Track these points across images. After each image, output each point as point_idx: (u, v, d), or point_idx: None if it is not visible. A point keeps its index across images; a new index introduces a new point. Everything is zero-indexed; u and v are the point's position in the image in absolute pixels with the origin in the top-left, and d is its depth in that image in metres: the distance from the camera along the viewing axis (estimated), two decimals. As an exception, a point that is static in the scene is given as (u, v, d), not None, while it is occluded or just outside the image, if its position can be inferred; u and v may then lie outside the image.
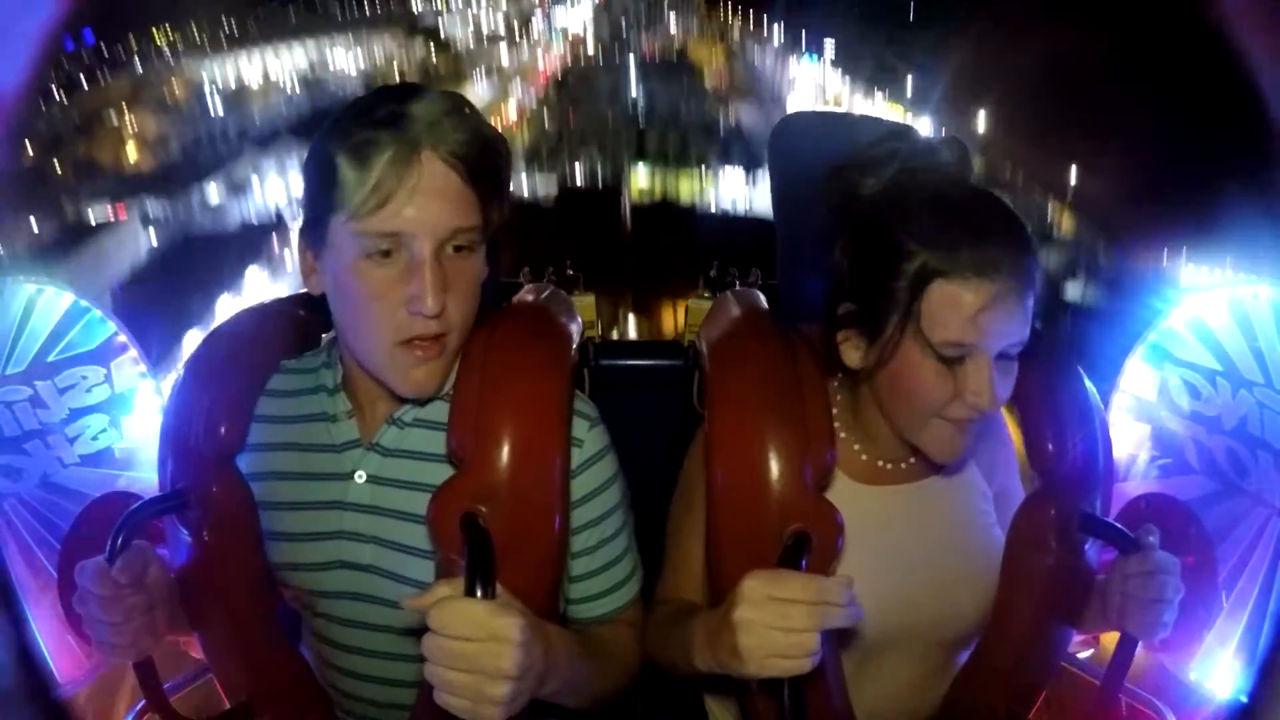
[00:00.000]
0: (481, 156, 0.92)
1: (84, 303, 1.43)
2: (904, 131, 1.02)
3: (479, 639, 0.76)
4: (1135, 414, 1.43)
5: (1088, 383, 1.09)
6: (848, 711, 1.01)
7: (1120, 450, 1.35)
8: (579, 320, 1.10)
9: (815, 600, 0.81)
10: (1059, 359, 1.10)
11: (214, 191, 20.68)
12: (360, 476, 1.01)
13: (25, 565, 1.36)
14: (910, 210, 0.93)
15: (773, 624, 0.81)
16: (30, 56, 0.67)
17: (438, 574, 0.96)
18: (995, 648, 1.05)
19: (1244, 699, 1.20)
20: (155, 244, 18.79)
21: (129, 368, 1.48)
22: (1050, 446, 1.03)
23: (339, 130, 0.90)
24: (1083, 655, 1.15)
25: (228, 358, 1.06)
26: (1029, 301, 0.91)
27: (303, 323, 1.14)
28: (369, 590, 1.01)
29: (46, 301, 1.40)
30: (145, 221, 18.84)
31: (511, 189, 1.02)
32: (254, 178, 21.03)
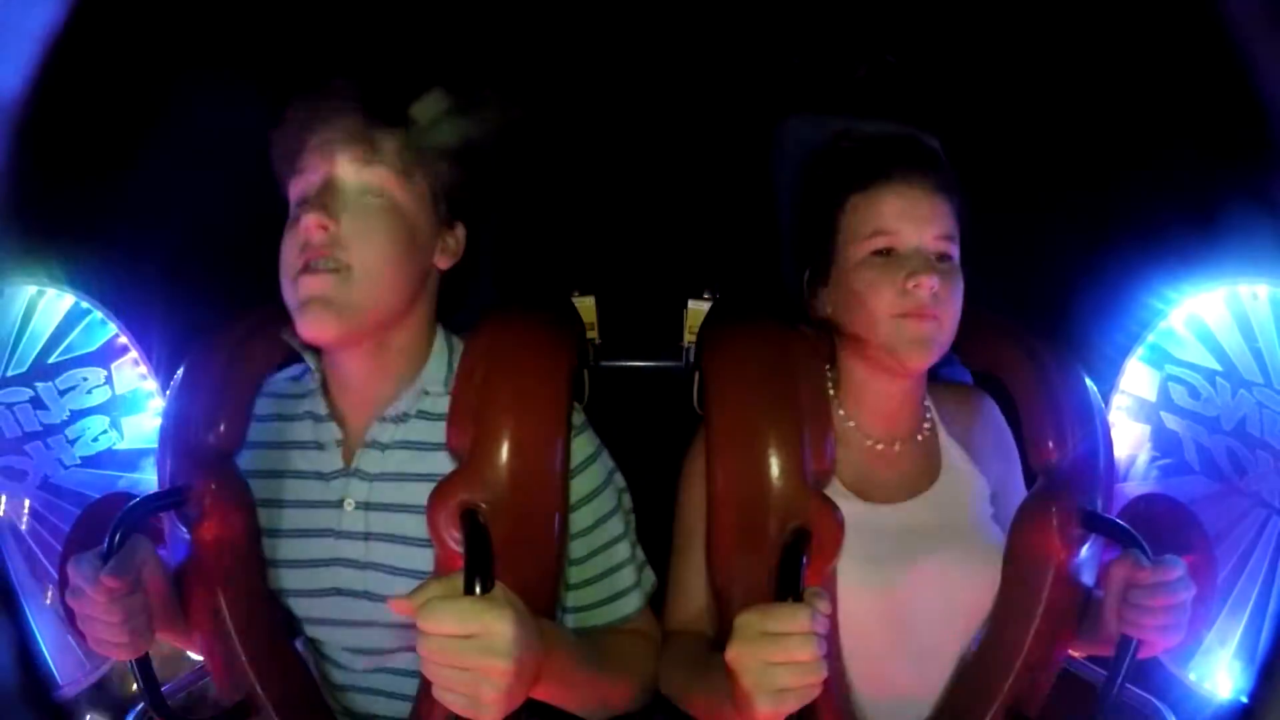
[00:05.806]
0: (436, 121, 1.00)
1: (85, 304, 1.43)
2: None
3: (471, 634, 0.75)
4: (1135, 414, 1.43)
5: (1088, 381, 1.09)
6: (848, 711, 1.01)
7: (1120, 450, 1.35)
8: (579, 320, 1.11)
9: (811, 630, 0.77)
10: (1059, 358, 1.10)
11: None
12: (349, 504, 1.02)
13: (26, 566, 1.36)
14: (835, 162, 1.10)
15: (773, 658, 0.77)
16: (31, 56, 0.67)
17: (436, 570, 0.96)
18: (997, 646, 1.05)
19: (1244, 699, 1.20)
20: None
21: (130, 369, 1.48)
22: (1051, 444, 1.03)
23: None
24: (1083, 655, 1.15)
25: (227, 357, 1.06)
26: (944, 205, 1.04)
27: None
28: (365, 616, 1.01)
29: (47, 303, 1.40)
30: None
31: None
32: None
